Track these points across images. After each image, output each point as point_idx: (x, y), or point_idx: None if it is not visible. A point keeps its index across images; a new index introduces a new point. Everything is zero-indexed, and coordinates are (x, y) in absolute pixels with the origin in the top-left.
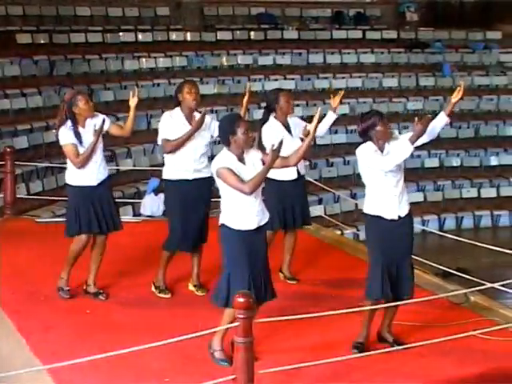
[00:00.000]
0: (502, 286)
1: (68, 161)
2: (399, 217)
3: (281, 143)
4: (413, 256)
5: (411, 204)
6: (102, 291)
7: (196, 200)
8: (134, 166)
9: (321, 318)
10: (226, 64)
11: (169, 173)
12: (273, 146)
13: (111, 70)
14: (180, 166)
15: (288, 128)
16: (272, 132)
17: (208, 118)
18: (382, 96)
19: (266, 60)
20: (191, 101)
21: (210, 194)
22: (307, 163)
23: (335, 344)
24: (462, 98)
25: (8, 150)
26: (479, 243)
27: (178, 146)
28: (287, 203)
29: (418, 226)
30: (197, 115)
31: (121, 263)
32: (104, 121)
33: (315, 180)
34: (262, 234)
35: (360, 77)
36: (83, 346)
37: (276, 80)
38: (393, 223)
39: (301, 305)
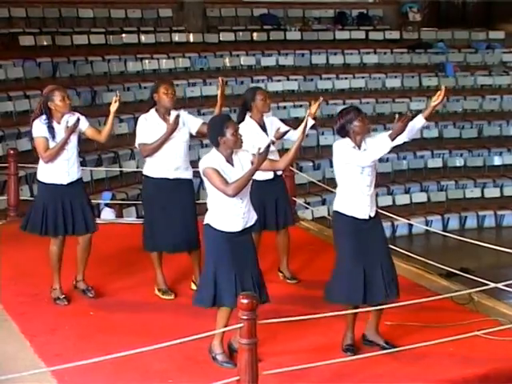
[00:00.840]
0: (506, 286)
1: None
2: (370, 217)
3: (268, 146)
4: (416, 257)
5: (416, 204)
6: (90, 288)
7: (174, 200)
8: (138, 167)
9: (324, 319)
10: (228, 65)
11: (149, 170)
12: (259, 149)
13: (114, 72)
14: (161, 165)
15: (264, 127)
16: (247, 131)
17: (183, 114)
18: (385, 96)
19: (268, 61)
20: (167, 101)
21: (191, 196)
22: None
23: (339, 345)
24: (445, 101)
25: (11, 152)
26: (483, 243)
27: (154, 149)
28: (268, 204)
29: (421, 227)
30: (172, 114)
31: (123, 265)
32: (78, 119)
33: (318, 181)
34: (249, 236)
35: (363, 77)
36: (87, 348)
37: (279, 81)
38: (365, 223)
39: (302, 306)
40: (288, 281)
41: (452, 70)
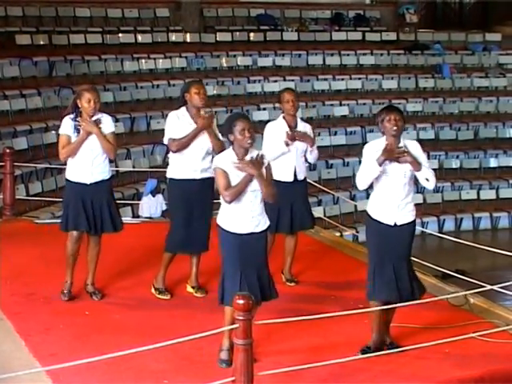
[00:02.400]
0: (502, 287)
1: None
2: (395, 224)
3: (261, 157)
4: (412, 258)
5: None
6: (96, 292)
7: (201, 200)
8: (134, 167)
9: (321, 320)
10: (225, 65)
11: (174, 172)
12: (259, 155)
13: (111, 71)
14: (187, 166)
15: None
16: (276, 130)
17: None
18: (382, 98)
19: (265, 61)
20: (199, 101)
21: (213, 195)
22: (307, 165)
23: (335, 346)
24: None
25: (7, 150)
26: (478, 245)
27: (184, 144)
28: (284, 206)
29: (417, 228)
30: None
31: (119, 265)
32: (99, 120)
33: (314, 181)
34: (259, 240)
35: (359, 78)
36: (82, 348)
37: (275, 81)
38: (389, 228)
39: (300, 306)
40: (287, 283)
41: (448, 72)
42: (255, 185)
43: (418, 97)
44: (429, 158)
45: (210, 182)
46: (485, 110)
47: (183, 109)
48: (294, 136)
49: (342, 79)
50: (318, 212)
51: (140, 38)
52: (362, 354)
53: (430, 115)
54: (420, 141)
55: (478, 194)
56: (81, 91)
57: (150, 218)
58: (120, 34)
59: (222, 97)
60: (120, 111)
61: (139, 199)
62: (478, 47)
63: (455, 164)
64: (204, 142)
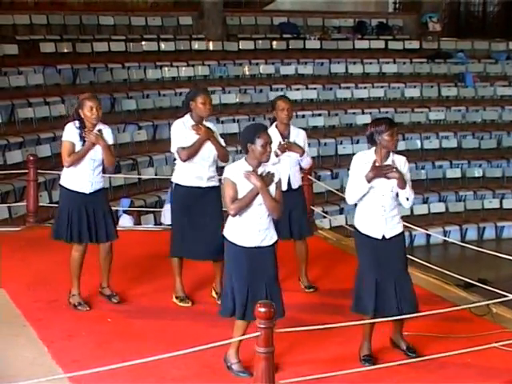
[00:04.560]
0: None
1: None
2: (383, 237)
3: (272, 174)
4: (434, 267)
5: (434, 214)
6: (115, 294)
7: (206, 208)
8: (156, 174)
9: (341, 329)
10: (248, 73)
11: (181, 178)
12: (268, 173)
13: (134, 79)
14: (194, 173)
15: (287, 138)
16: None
17: (211, 125)
18: (404, 106)
19: (288, 69)
20: (204, 112)
21: (219, 204)
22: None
23: (356, 355)
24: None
25: (31, 158)
26: (501, 254)
27: (193, 153)
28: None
29: (439, 237)
30: (206, 124)
31: (142, 272)
32: (100, 131)
33: (336, 190)
34: (266, 254)
35: (382, 87)
36: (104, 355)
37: (298, 89)
38: (378, 242)
39: (321, 315)
40: (306, 290)
41: (471, 80)
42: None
43: (440, 105)
44: (451, 167)
45: (216, 190)
46: (508, 118)
47: (188, 116)
48: (283, 148)
49: (365, 87)
50: (339, 220)
51: (163, 46)
52: (366, 362)
53: (452, 124)
54: (443, 149)
55: (501, 202)
56: (82, 100)
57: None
58: (143, 42)
59: (245, 105)
60: (143, 119)
61: (161, 207)
62: (502, 56)
63: (478, 173)
64: (210, 150)
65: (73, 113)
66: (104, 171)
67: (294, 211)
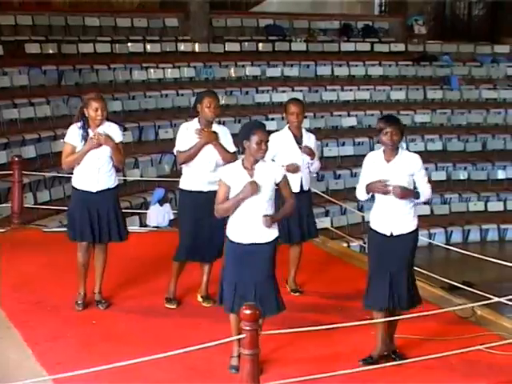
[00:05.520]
0: (509, 300)
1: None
2: (391, 234)
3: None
4: (419, 269)
5: (419, 217)
6: (103, 301)
7: (209, 212)
8: (142, 176)
9: (327, 331)
10: (233, 75)
11: (185, 183)
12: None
13: (119, 81)
14: (196, 178)
15: (300, 141)
16: (281, 140)
17: (223, 129)
18: (390, 109)
19: (273, 72)
20: (209, 115)
21: None
22: (314, 175)
23: (341, 356)
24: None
25: (16, 159)
26: (486, 257)
27: (188, 157)
28: (293, 216)
29: (424, 239)
30: (214, 128)
31: (127, 274)
32: (101, 134)
33: (322, 192)
34: (262, 250)
35: (368, 89)
36: (89, 357)
37: (284, 92)
38: (386, 238)
39: (307, 317)
40: (292, 293)
41: (457, 83)
42: (261, 196)
43: (426, 108)
44: (436, 170)
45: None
46: (493, 121)
47: (195, 120)
48: (306, 151)
49: (351, 90)
50: (325, 222)
51: (149, 47)
52: (364, 363)
53: (438, 126)
54: (428, 152)
55: (486, 205)
56: (87, 100)
57: (158, 227)
58: (129, 44)
59: (231, 107)
60: (128, 120)
61: (147, 208)
62: (487, 59)
63: (463, 175)
64: (211, 155)
65: (78, 112)
66: (117, 170)
67: (303, 212)
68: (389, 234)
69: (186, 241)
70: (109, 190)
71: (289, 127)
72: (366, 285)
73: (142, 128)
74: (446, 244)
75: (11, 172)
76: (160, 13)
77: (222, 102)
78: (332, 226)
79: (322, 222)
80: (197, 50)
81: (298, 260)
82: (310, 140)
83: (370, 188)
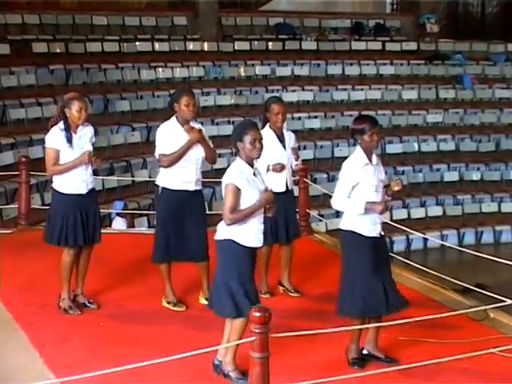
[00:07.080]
0: None
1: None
2: (380, 234)
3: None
4: (431, 271)
5: (431, 218)
6: (91, 300)
7: (193, 212)
8: (150, 176)
9: (335, 333)
10: (243, 74)
11: (168, 181)
12: (267, 187)
13: (127, 80)
14: (181, 177)
15: (282, 139)
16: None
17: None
18: (401, 108)
19: (284, 71)
20: (188, 114)
21: (204, 207)
22: (295, 178)
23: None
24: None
25: (23, 159)
26: (499, 259)
27: (174, 160)
28: (279, 216)
29: (436, 241)
30: (194, 125)
31: (136, 275)
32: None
33: (332, 193)
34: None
35: (379, 88)
36: (96, 360)
37: (294, 91)
38: (376, 240)
39: (315, 320)
40: (290, 294)
41: (470, 82)
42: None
43: (438, 108)
44: (449, 170)
45: (201, 193)
46: (506, 121)
47: (173, 120)
48: (295, 153)
49: (362, 89)
50: (335, 223)
51: (157, 46)
52: (355, 365)
53: (450, 126)
54: (440, 152)
55: (499, 206)
56: (70, 99)
57: None
58: (137, 43)
59: (240, 106)
60: (136, 120)
61: (154, 209)
62: (500, 58)
63: (476, 176)
64: (198, 153)
65: (57, 113)
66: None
67: (288, 212)
68: (379, 236)
69: (165, 240)
70: (93, 190)
71: (270, 126)
72: (346, 292)
73: (151, 128)
74: (458, 246)
75: (18, 173)
76: (169, 11)
77: (232, 101)
78: None
79: (333, 223)
80: (206, 48)
81: (290, 260)
82: (291, 139)
83: (372, 209)
